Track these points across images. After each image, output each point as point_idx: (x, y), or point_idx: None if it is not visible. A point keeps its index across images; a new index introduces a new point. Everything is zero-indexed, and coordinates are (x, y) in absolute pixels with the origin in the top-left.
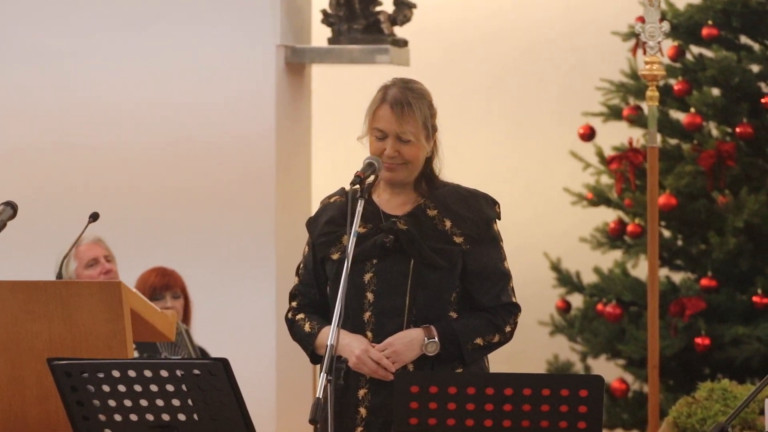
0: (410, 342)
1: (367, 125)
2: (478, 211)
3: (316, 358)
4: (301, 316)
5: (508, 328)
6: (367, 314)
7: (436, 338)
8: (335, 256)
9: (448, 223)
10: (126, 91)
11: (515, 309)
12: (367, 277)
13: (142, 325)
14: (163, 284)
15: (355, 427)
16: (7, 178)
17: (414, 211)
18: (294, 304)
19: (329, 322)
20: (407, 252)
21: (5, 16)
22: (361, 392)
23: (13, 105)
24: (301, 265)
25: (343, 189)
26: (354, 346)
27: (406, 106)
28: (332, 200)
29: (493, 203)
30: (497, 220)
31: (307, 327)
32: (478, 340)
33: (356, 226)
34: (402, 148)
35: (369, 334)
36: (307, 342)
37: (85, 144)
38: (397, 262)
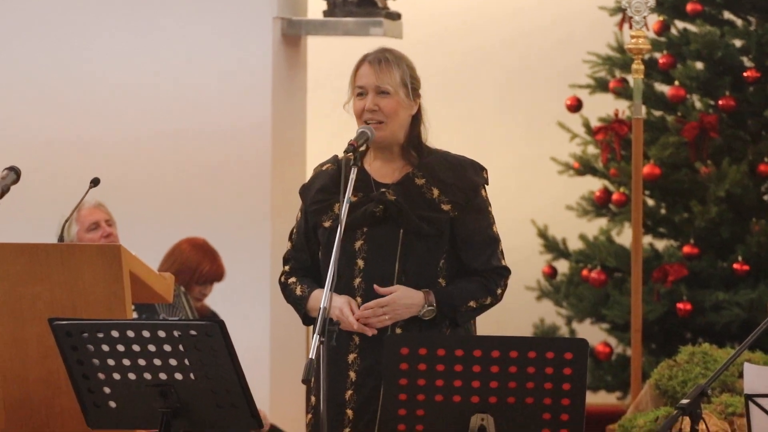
0: (411, 305)
1: (350, 89)
2: (465, 178)
3: (308, 320)
4: (293, 279)
5: (499, 291)
6: (358, 280)
7: (434, 305)
8: (327, 224)
9: (435, 192)
10: (125, 63)
11: (505, 272)
12: (358, 244)
13: (141, 287)
14: (217, 276)
15: (345, 391)
16: (10, 144)
17: (403, 180)
18: (287, 268)
19: (320, 286)
20: (396, 221)
21: (6, 3)
22: (351, 356)
23: (16, 90)
24: (294, 231)
25: (335, 157)
26: (336, 306)
27: (383, 61)
28: (324, 168)
29: (481, 169)
30: (485, 186)
31: (298, 290)
32: (472, 303)
33: (349, 194)
34: (380, 101)
35: (359, 299)
36: (298, 304)
37: (85, 123)
38: (387, 231)
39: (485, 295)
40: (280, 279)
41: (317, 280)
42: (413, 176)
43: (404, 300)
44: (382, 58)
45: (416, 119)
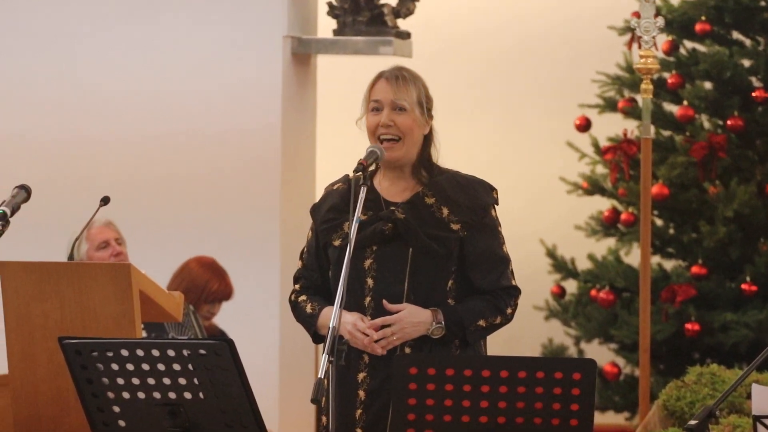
0: (419, 323)
1: (365, 104)
2: (475, 198)
3: (318, 338)
4: (303, 298)
5: (509, 310)
6: (368, 299)
7: (443, 323)
8: (337, 243)
9: (445, 211)
10: (134, 81)
11: (515, 291)
12: (368, 262)
13: (151, 305)
14: (225, 295)
15: (355, 410)
16: (20, 162)
17: (412, 198)
18: (297, 286)
19: (330, 304)
20: (405, 240)
21: (11, 7)
22: (361, 375)
23: (24, 95)
24: (305, 250)
25: (346, 176)
26: (348, 322)
27: (401, 78)
28: (335, 187)
29: (491, 189)
30: (495, 206)
31: (308, 308)
32: (481, 322)
33: (359, 213)
34: (397, 117)
35: (369, 317)
36: (308, 323)
37: (94, 133)
38: (397, 249)
39: (495, 315)
40: (290, 297)
41: (327, 299)
42: (423, 195)
43: (412, 318)
44: (399, 75)
45: (427, 139)
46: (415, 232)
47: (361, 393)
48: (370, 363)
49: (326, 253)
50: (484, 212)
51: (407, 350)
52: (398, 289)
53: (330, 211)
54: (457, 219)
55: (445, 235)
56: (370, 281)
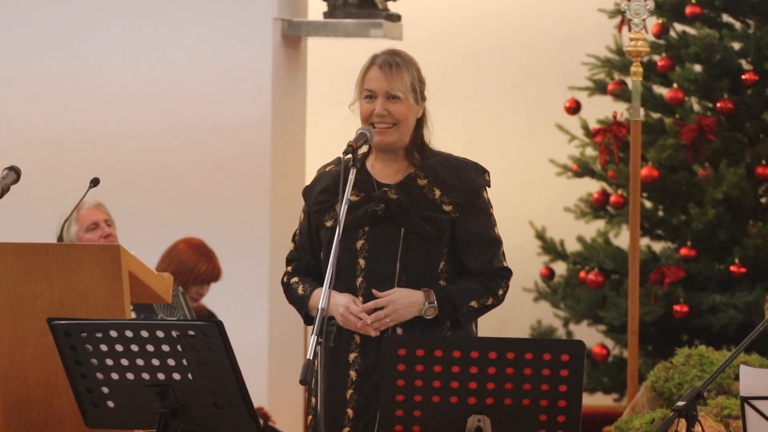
0: (411, 304)
1: (358, 90)
2: (467, 180)
3: (309, 320)
4: (295, 279)
5: (501, 291)
6: (359, 279)
7: (435, 303)
8: (329, 224)
9: (437, 192)
10: (125, 66)
11: (507, 273)
12: (360, 243)
13: (140, 287)
14: (213, 276)
15: (346, 390)
16: (12, 150)
17: (405, 180)
18: (289, 268)
19: (322, 285)
20: (397, 221)
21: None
22: (352, 356)
23: (18, 86)
24: (297, 232)
25: (339, 158)
26: (340, 303)
27: (394, 66)
28: (327, 169)
29: (483, 171)
30: (487, 188)
31: (300, 290)
32: (473, 303)
33: (348, 194)
34: (391, 106)
35: (360, 298)
36: (300, 304)
37: (86, 121)
38: (388, 230)
39: (487, 295)
40: (282, 279)
41: (319, 280)
42: (415, 177)
43: (403, 300)
44: (392, 63)
45: (420, 121)
46: (407, 213)
47: (353, 373)
48: (361, 343)
49: (318, 235)
50: (476, 194)
51: (399, 330)
52: (390, 270)
53: (322, 192)
54: (449, 200)
55: (437, 216)
56: (362, 262)
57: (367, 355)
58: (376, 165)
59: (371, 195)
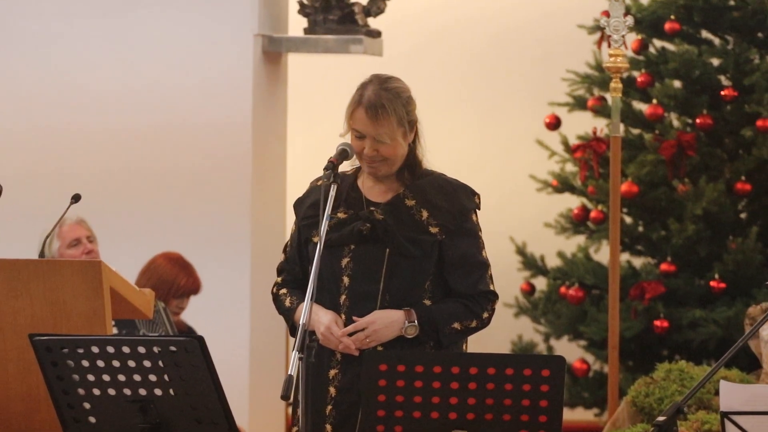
0: (391, 323)
1: (346, 124)
2: (455, 202)
3: (295, 331)
4: (284, 291)
5: (485, 314)
6: (343, 297)
7: (416, 322)
8: (316, 239)
9: (425, 214)
10: (105, 78)
11: (492, 296)
12: (344, 261)
13: (122, 303)
14: (193, 289)
15: (326, 406)
16: None
17: (393, 200)
18: (279, 279)
19: None
20: (382, 241)
21: None
22: (332, 372)
23: None
24: (288, 243)
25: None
26: (322, 322)
27: (380, 109)
28: (319, 183)
29: (473, 194)
30: (477, 211)
31: (287, 302)
32: (456, 325)
33: (329, 211)
34: (380, 147)
35: (343, 316)
36: (287, 316)
37: (65, 128)
38: (373, 249)
39: (470, 318)
40: (272, 289)
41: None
42: (403, 197)
43: (383, 320)
44: (378, 106)
45: (412, 143)
46: (392, 234)
47: (332, 389)
48: (341, 359)
49: (308, 249)
50: (463, 217)
51: (379, 348)
52: (373, 289)
53: (311, 207)
54: (436, 222)
55: (422, 237)
56: (346, 279)
57: (347, 372)
58: (366, 182)
59: (358, 214)
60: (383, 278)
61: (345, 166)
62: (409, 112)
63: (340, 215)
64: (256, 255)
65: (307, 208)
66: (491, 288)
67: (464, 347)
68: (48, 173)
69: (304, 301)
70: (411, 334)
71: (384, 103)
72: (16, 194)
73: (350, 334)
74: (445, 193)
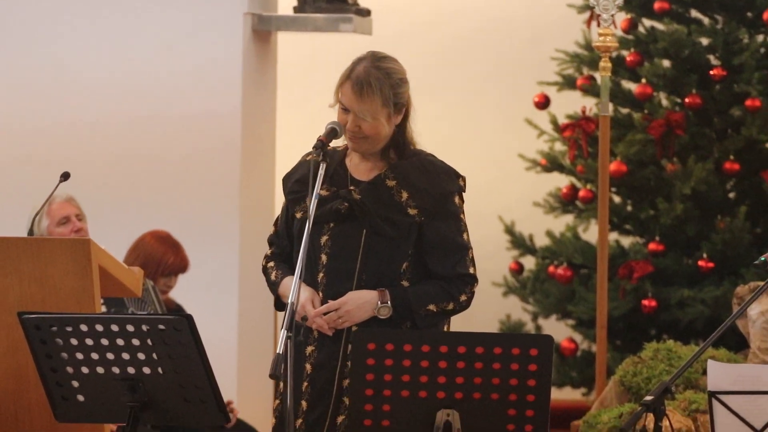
0: (363, 304)
1: (335, 96)
2: (436, 184)
3: (279, 305)
4: (271, 264)
5: (463, 297)
6: (321, 275)
7: (389, 302)
8: (298, 215)
9: (404, 195)
10: (94, 58)
11: (471, 280)
12: (324, 239)
13: (110, 281)
14: (181, 267)
15: (302, 382)
16: None
17: (374, 179)
18: (269, 251)
19: (293, 272)
20: (359, 220)
21: None
22: (309, 349)
23: None
24: (279, 217)
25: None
26: (301, 299)
27: (365, 87)
28: (309, 158)
29: (456, 177)
30: (460, 193)
31: (273, 275)
32: (431, 306)
33: (318, 189)
34: (362, 123)
35: (320, 293)
36: (272, 289)
37: (55, 111)
38: (351, 229)
39: (446, 300)
40: (262, 261)
41: (293, 267)
42: (385, 177)
43: (356, 300)
44: (365, 83)
45: (402, 122)
46: (369, 214)
47: (308, 366)
48: (318, 337)
49: (293, 223)
50: (445, 199)
51: (354, 329)
52: (350, 268)
53: (296, 182)
54: (416, 204)
55: (399, 218)
56: (324, 257)
57: (322, 349)
58: (354, 160)
59: (338, 193)
60: (360, 257)
61: (336, 143)
62: (397, 94)
63: (323, 192)
64: (245, 233)
65: (293, 183)
66: (470, 271)
67: (447, 329)
68: (38, 156)
69: (287, 275)
70: (384, 315)
71: (371, 81)
72: (6, 174)
73: (325, 315)
74: (427, 175)
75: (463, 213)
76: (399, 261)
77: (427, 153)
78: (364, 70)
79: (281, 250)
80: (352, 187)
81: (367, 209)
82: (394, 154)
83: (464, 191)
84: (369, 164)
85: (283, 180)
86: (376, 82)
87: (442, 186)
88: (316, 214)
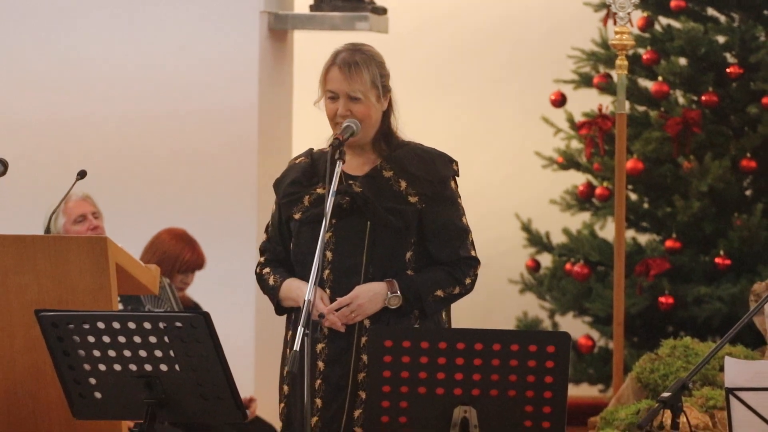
0: (374, 296)
1: (321, 89)
2: (433, 170)
3: (280, 310)
4: (267, 270)
5: (468, 280)
6: (327, 272)
7: (399, 292)
8: (297, 216)
9: (403, 184)
10: (112, 57)
11: (474, 262)
12: (327, 235)
13: (127, 279)
14: (198, 264)
15: (315, 380)
16: None
17: (371, 172)
18: (262, 259)
19: (292, 275)
20: (363, 213)
21: None
22: (320, 346)
23: (2, 72)
24: (269, 223)
25: (310, 150)
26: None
27: (353, 65)
28: (298, 161)
29: (450, 161)
30: (455, 178)
31: (271, 280)
32: (439, 292)
33: (334, 186)
34: (353, 106)
35: (328, 290)
36: (271, 294)
37: (71, 108)
38: (355, 223)
39: (453, 285)
40: (255, 270)
41: (290, 271)
42: (381, 168)
43: (366, 293)
44: (352, 62)
45: (387, 113)
46: (372, 206)
47: (320, 363)
48: (329, 333)
49: (288, 227)
50: (442, 184)
51: (367, 323)
52: (356, 262)
53: (291, 185)
54: (415, 191)
55: (402, 208)
56: (329, 254)
57: (333, 345)
58: (345, 157)
59: (338, 188)
60: (366, 250)
61: (322, 143)
62: (383, 75)
63: (320, 191)
64: (262, 230)
65: (287, 185)
66: (473, 254)
67: (445, 319)
68: (55, 153)
69: (287, 278)
70: (394, 305)
71: (357, 61)
72: (23, 171)
73: (337, 311)
74: (422, 162)
75: (460, 197)
76: (403, 251)
77: (416, 142)
78: (348, 54)
79: (275, 256)
80: (350, 182)
81: (370, 201)
82: (384, 146)
83: (458, 175)
84: (361, 159)
85: (275, 185)
86: (363, 62)
87: (438, 171)
88: (316, 212)
